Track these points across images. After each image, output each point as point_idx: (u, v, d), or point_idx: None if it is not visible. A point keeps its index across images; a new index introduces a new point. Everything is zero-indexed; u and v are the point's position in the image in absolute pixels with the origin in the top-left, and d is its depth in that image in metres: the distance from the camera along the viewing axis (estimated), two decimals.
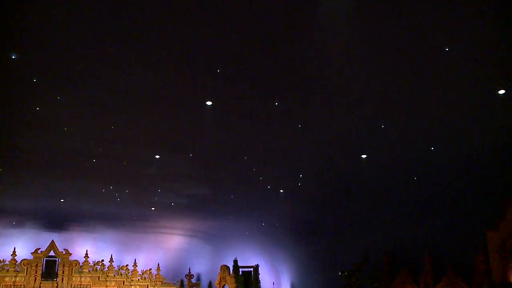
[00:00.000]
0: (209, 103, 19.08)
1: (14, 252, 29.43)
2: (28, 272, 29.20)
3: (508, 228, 22.01)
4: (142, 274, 31.23)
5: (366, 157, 22.93)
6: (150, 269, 31.53)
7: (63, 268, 29.81)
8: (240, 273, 30.81)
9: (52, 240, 30.15)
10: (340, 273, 27.33)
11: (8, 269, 28.94)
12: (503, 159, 20.49)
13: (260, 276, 31.05)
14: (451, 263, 24.20)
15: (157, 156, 23.67)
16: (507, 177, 21.26)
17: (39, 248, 29.82)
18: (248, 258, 32.51)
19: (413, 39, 15.69)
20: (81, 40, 15.82)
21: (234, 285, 30.11)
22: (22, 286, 28.92)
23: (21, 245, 30.74)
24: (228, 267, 31.08)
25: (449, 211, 23.88)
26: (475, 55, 16.09)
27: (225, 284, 31.25)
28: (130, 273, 30.97)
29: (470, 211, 23.07)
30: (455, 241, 24.32)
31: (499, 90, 17.28)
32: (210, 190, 28.11)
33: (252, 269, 31.13)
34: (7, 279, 28.76)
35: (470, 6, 14.37)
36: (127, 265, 31.19)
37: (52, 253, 30.03)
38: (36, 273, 29.30)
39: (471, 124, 19.51)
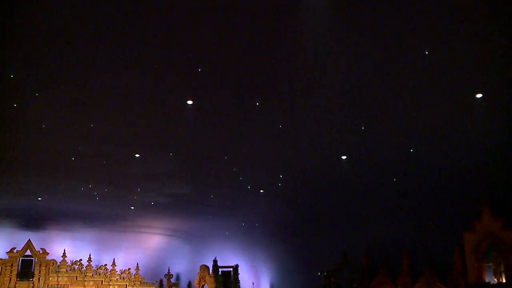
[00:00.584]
0: (190, 102, 19.01)
1: None
2: (3, 272, 28.67)
3: (484, 229, 22.37)
4: (121, 273, 30.94)
5: (346, 158, 23.08)
6: (129, 269, 31.26)
7: (40, 268, 29.36)
8: (220, 273, 30.74)
9: (29, 239, 29.67)
10: (319, 273, 27.48)
11: None
12: (480, 161, 20.82)
13: (239, 276, 31.02)
14: (429, 264, 24.51)
15: (137, 155, 23.47)
16: (483, 179, 21.61)
17: (15, 248, 29.31)
18: (228, 258, 32.46)
19: (394, 43, 15.85)
20: (61, 37, 15.61)
21: (214, 285, 30.03)
22: None
23: None
24: (207, 267, 30.99)
25: (427, 212, 24.18)
26: (454, 59, 16.32)
27: (204, 284, 31.14)
28: (109, 273, 30.65)
29: (447, 213, 23.40)
30: (433, 242, 24.65)
31: (477, 94, 17.58)
32: (190, 190, 27.99)
33: (231, 269, 31.08)
34: None
35: (449, 12, 14.57)
36: (105, 264, 30.87)
37: (28, 252, 29.55)
38: (11, 273, 28.79)
39: (449, 127, 19.78)
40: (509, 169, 20.64)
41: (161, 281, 32.51)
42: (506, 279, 21.63)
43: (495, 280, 22.13)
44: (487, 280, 22.47)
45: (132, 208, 30.36)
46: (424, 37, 15.50)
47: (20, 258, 29.28)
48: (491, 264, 22.38)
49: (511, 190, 21.24)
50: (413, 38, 15.59)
